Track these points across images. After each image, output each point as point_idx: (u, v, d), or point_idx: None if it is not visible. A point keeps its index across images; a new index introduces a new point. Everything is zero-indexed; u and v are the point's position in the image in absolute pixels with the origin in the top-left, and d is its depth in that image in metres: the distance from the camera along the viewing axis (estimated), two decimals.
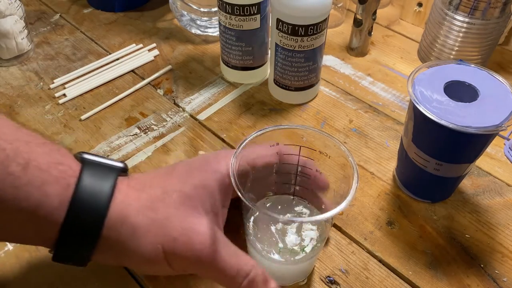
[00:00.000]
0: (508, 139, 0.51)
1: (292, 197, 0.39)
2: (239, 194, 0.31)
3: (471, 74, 0.40)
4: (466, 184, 0.47)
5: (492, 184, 0.47)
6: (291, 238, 0.36)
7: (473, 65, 0.41)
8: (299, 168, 0.37)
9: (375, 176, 0.47)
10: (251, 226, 0.37)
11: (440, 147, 0.39)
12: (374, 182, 0.47)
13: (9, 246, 0.41)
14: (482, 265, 0.40)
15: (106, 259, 0.31)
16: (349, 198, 0.31)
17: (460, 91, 0.39)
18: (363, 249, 0.41)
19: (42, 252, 0.40)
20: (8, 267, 0.39)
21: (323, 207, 0.38)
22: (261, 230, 0.37)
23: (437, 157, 0.40)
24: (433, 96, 0.38)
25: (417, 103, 0.37)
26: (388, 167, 0.48)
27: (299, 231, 0.37)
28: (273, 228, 0.37)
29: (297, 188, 0.39)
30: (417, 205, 0.45)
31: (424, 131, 0.39)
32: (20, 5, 0.59)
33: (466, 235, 0.42)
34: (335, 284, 0.38)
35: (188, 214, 0.31)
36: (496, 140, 0.48)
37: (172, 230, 0.30)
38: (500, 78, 0.39)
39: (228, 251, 0.31)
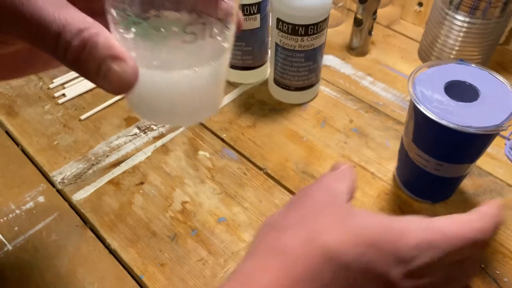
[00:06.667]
0: (509, 139, 0.51)
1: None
2: None
3: (471, 74, 0.40)
4: (467, 184, 0.46)
5: (492, 184, 0.47)
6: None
7: (473, 65, 0.41)
8: None
9: (376, 176, 0.47)
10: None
11: (441, 147, 0.39)
12: (374, 182, 0.47)
13: (9, 247, 0.40)
14: (482, 266, 0.40)
15: None
16: None
17: (460, 91, 0.39)
18: None
19: (41, 252, 0.40)
20: (7, 267, 0.39)
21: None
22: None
23: (437, 157, 0.40)
24: (434, 96, 0.38)
25: (418, 103, 0.37)
26: (388, 167, 0.48)
27: None
28: None
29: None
30: (417, 205, 0.45)
31: (424, 131, 0.39)
32: None
33: None
34: None
35: None
36: (497, 140, 0.48)
37: None
38: (501, 78, 0.39)
39: (54, 1, 0.21)
